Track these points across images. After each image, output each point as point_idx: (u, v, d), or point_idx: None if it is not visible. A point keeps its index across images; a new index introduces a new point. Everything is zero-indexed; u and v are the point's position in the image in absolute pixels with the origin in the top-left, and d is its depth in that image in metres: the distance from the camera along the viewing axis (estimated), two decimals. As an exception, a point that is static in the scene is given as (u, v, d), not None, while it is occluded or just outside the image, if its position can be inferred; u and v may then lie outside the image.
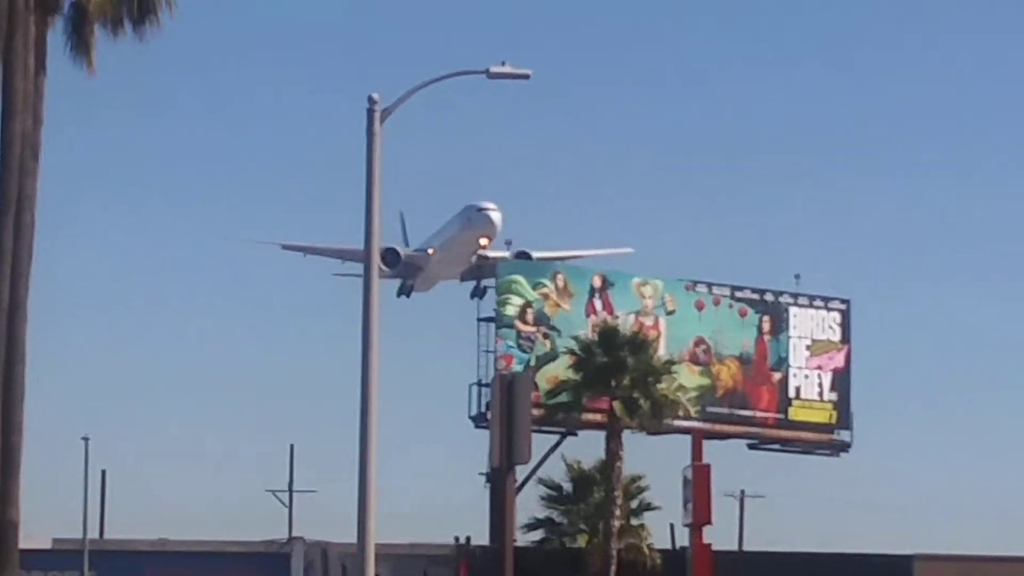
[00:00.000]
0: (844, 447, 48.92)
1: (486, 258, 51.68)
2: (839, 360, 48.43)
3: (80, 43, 25.58)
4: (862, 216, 72.34)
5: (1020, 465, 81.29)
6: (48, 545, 41.95)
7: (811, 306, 48.45)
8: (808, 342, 48.23)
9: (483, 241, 50.23)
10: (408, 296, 54.46)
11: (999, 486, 76.53)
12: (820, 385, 48.41)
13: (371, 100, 23.43)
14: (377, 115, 23.60)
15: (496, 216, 49.42)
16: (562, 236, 55.51)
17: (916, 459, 78.22)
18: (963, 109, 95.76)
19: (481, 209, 49.57)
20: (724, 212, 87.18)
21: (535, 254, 50.17)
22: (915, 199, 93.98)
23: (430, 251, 52.41)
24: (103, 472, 49.98)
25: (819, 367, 48.34)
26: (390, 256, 49.27)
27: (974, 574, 44.89)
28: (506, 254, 50.43)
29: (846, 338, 48.28)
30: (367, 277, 23.41)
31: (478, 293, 52.23)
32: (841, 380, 48.11)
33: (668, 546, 44.90)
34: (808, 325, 48.32)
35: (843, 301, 48.77)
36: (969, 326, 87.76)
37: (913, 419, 78.39)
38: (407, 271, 53.09)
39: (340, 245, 51.21)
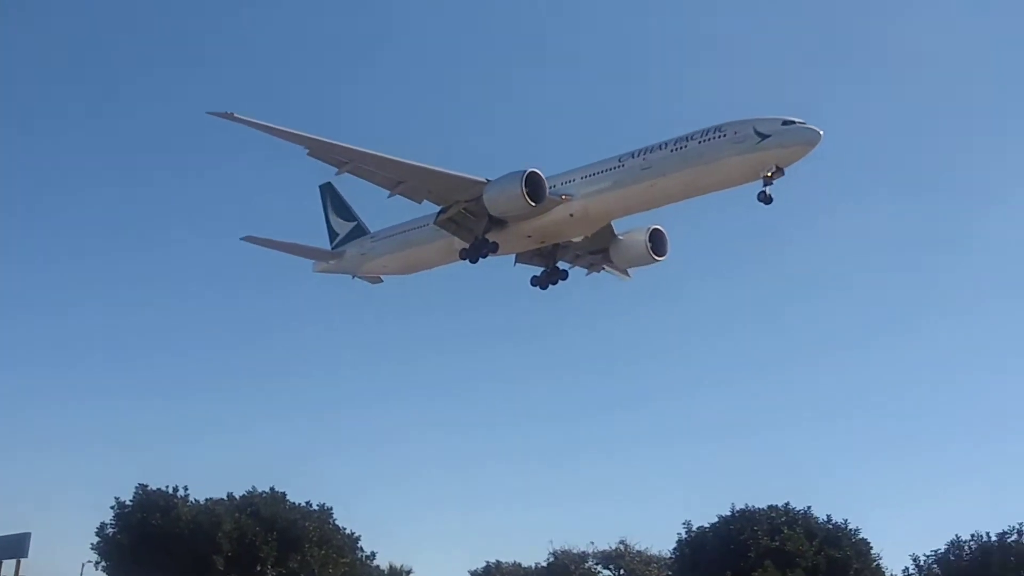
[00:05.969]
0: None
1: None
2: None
3: None
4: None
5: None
6: None
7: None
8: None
9: (805, 155, 40.36)
10: (474, 262, 43.24)
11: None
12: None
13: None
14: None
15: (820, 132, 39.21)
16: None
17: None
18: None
19: (794, 122, 40.33)
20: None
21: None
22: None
23: (564, 197, 42.83)
24: None
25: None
26: (534, 179, 42.16)
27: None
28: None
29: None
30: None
31: (553, 278, 43.02)
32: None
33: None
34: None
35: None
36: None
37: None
38: (485, 244, 42.29)
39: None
